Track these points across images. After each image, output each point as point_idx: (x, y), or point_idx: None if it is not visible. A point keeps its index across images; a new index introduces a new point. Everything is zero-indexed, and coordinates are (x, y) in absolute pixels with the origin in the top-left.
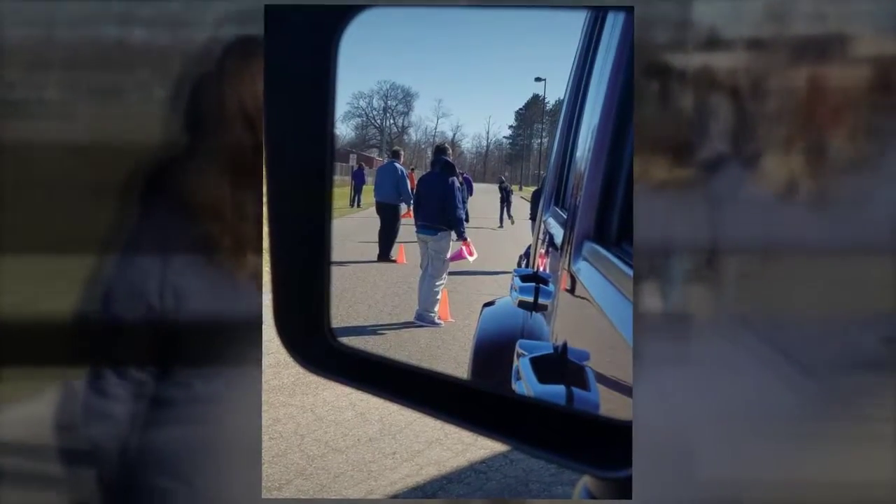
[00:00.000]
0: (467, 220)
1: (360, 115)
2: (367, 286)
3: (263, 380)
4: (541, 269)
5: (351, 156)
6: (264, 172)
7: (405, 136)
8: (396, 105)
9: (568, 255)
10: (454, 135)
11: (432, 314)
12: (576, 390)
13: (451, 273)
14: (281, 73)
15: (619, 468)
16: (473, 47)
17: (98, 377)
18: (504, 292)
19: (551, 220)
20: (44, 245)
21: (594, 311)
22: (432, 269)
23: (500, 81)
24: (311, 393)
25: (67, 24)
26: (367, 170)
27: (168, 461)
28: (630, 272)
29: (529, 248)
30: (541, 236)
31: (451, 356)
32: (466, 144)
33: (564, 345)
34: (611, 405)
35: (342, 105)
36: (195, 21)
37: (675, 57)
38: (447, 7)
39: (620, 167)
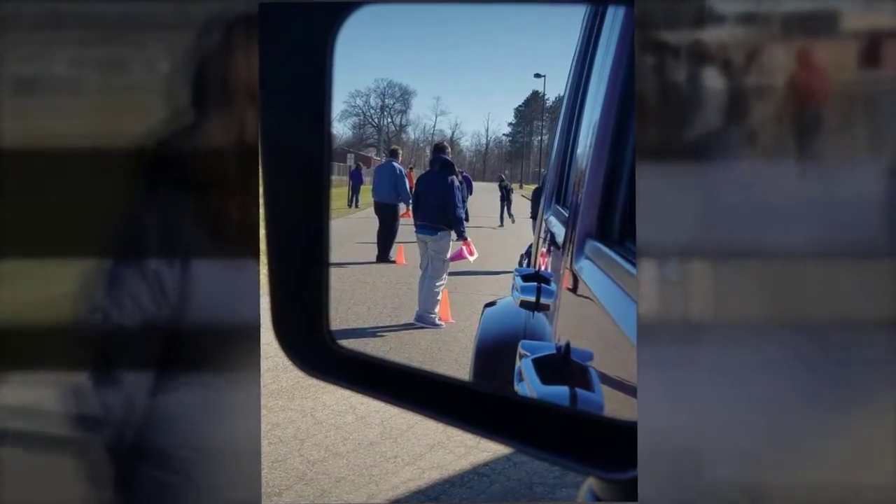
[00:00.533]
0: (467, 220)
1: (357, 114)
2: (367, 287)
3: (262, 384)
4: (542, 268)
5: (348, 155)
6: (260, 173)
7: (403, 135)
8: (394, 103)
9: (570, 254)
10: (453, 133)
11: (433, 315)
12: (579, 391)
13: (451, 273)
14: (276, 72)
15: (625, 469)
16: (472, 44)
17: (107, 345)
18: (505, 292)
19: (553, 219)
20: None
21: (597, 311)
22: (432, 269)
23: (499, 78)
24: (310, 397)
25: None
26: (364, 169)
27: (174, 429)
28: (633, 270)
29: (531, 247)
30: (542, 235)
31: (453, 358)
32: (465, 142)
33: (567, 345)
34: (615, 406)
35: (339, 104)
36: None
37: (676, 41)
38: (444, 3)
39: (622, 164)
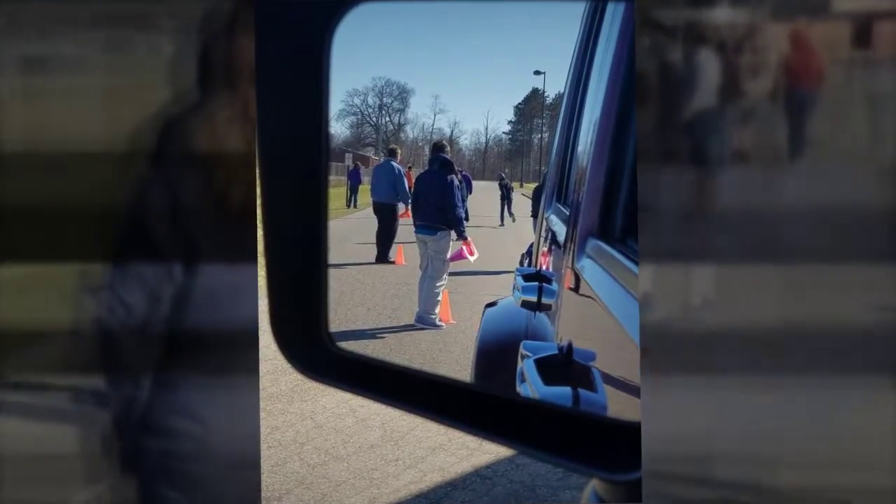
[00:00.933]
0: (467, 219)
1: (354, 114)
2: (366, 289)
3: (261, 387)
4: (544, 267)
5: (346, 155)
6: (257, 174)
7: (401, 134)
8: (392, 102)
9: (571, 253)
10: (452, 131)
11: (433, 316)
12: (582, 392)
13: (451, 274)
14: (273, 71)
15: (628, 471)
16: (470, 41)
17: (112, 311)
18: (506, 292)
19: (554, 217)
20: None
21: (599, 310)
22: (432, 269)
23: (498, 76)
24: (310, 400)
25: None
26: (363, 169)
27: (181, 402)
28: (636, 269)
29: (531, 246)
30: (543, 234)
31: (454, 359)
32: (465, 141)
33: (570, 345)
34: (618, 406)
35: (336, 103)
36: None
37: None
38: (442, 0)
39: (624, 161)
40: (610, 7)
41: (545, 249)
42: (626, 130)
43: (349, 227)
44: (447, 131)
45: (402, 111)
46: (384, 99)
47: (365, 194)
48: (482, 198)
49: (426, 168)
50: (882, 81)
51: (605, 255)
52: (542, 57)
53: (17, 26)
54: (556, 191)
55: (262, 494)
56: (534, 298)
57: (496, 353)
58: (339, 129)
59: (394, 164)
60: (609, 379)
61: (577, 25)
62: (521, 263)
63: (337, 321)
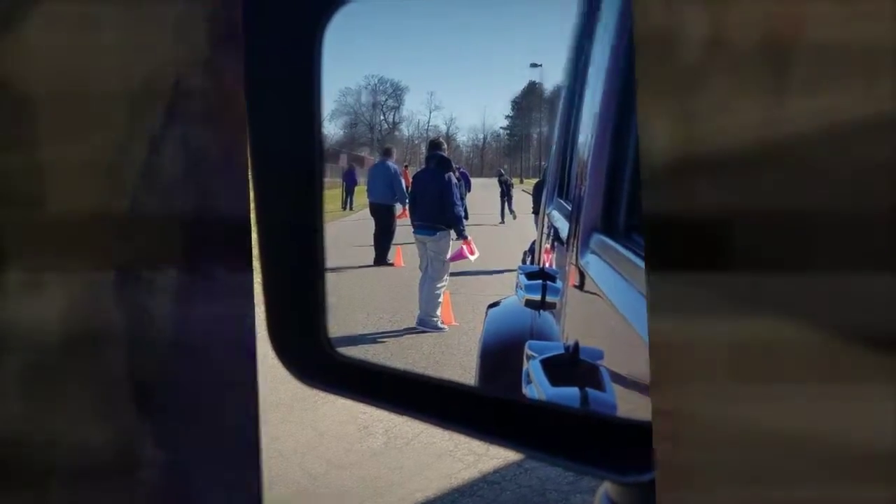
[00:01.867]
0: (467, 218)
1: (348, 113)
2: (365, 292)
3: (260, 395)
4: (547, 265)
5: (341, 156)
6: (250, 177)
7: (397, 133)
8: (386, 100)
9: (575, 249)
10: (448, 128)
11: (435, 318)
12: (590, 391)
13: (452, 274)
14: (263, 70)
15: (641, 472)
16: (465, 35)
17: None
18: (509, 292)
19: (555, 213)
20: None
21: (606, 307)
22: (432, 270)
23: (494, 70)
24: (310, 408)
25: None
26: (358, 170)
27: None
28: (641, 263)
29: (534, 243)
30: (545, 230)
31: (457, 362)
32: (462, 138)
33: (576, 344)
34: (628, 405)
35: (329, 103)
36: None
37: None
38: None
39: (625, 153)
40: None
41: (548, 246)
42: (627, 121)
43: (346, 229)
44: (443, 128)
45: (396, 109)
46: (378, 97)
47: (361, 195)
48: (481, 195)
49: (423, 166)
50: None
51: (610, 250)
52: (539, 49)
53: None
54: (557, 186)
55: None
56: (537, 297)
57: (500, 355)
58: (332, 129)
59: (390, 163)
60: (618, 377)
61: (574, 15)
62: (524, 261)
63: (336, 326)
